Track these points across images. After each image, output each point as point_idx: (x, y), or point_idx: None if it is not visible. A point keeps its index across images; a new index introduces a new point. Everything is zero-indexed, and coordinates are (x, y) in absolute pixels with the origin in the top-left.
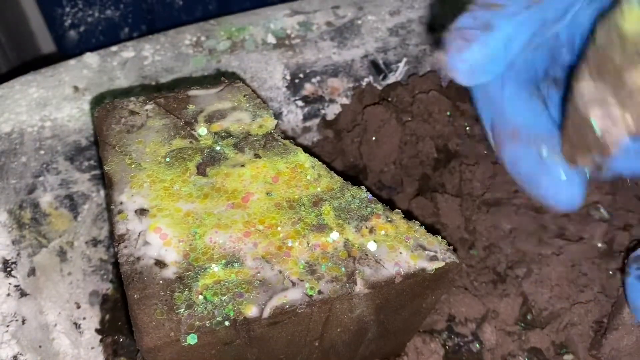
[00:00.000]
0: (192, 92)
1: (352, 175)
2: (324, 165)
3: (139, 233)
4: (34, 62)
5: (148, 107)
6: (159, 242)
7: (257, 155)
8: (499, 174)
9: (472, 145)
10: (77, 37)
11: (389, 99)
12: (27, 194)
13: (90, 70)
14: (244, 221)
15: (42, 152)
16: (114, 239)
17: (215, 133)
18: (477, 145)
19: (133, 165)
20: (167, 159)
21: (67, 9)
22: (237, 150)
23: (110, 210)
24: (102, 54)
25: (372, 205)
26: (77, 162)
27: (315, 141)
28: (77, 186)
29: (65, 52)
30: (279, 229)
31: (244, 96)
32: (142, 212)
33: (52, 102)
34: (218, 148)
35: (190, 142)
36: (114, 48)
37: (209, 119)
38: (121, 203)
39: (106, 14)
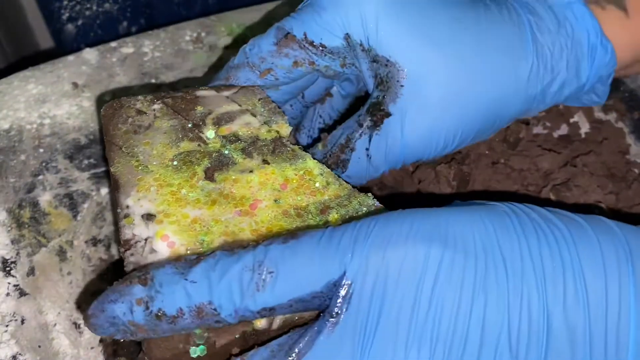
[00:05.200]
0: (201, 93)
1: None
2: (333, 172)
3: (146, 240)
4: (32, 57)
5: (156, 106)
6: (166, 250)
7: (265, 161)
8: (498, 173)
9: (472, 145)
10: (75, 31)
11: None
12: (27, 192)
13: (89, 67)
14: (252, 229)
15: (41, 150)
16: (120, 243)
17: (224, 137)
18: (477, 145)
19: (140, 168)
20: (175, 162)
21: (65, 2)
22: (245, 155)
23: (116, 213)
24: (101, 50)
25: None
26: (76, 160)
27: None
28: (76, 185)
29: (63, 46)
30: None
31: (259, 100)
32: (148, 217)
33: (51, 99)
34: (226, 152)
35: (199, 145)
36: (113, 44)
37: (217, 122)
38: (127, 207)
39: (104, 7)
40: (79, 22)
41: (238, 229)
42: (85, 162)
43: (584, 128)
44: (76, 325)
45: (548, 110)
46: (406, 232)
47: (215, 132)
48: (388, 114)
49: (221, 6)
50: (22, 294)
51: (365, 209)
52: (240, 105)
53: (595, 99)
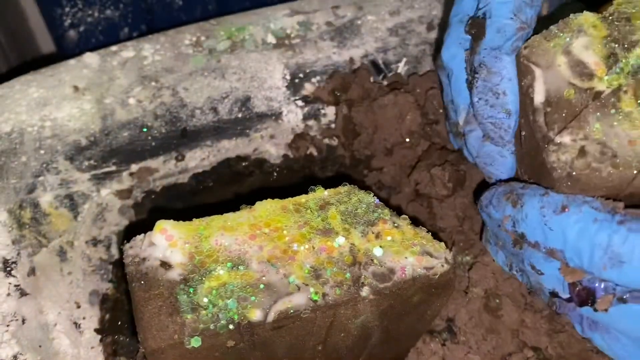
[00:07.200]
0: None
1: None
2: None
3: (145, 234)
4: (34, 62)
5: None
6: (164, 244)
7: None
8: None
9: None
10: (77, 37)
11: None
12: (27, 193)
13: (90, 70)
14: (250, 224)
15: (42, 151)
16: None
17: None
18: None
19: None
20: None
21: (67, 9)
22: None
23: None
24: (102, 54)
25: (379, 210)
26: (77, 161)
27: None
28: (77, 186)
29: (64, 52)
30: (284, 232)
31: None
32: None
33: (52, 102)
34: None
35: None
36: (113, 48)
37: None
38: None
39: (106, 13)
40: (81, 29)
41: (236, 224)
42: (86, 163)
43: None
44: (76, 325)
45: None
46: None
47: None
48: None
49: (221, 10)
50: (23, 294)
51: (364, 205)
52: None
53: None
